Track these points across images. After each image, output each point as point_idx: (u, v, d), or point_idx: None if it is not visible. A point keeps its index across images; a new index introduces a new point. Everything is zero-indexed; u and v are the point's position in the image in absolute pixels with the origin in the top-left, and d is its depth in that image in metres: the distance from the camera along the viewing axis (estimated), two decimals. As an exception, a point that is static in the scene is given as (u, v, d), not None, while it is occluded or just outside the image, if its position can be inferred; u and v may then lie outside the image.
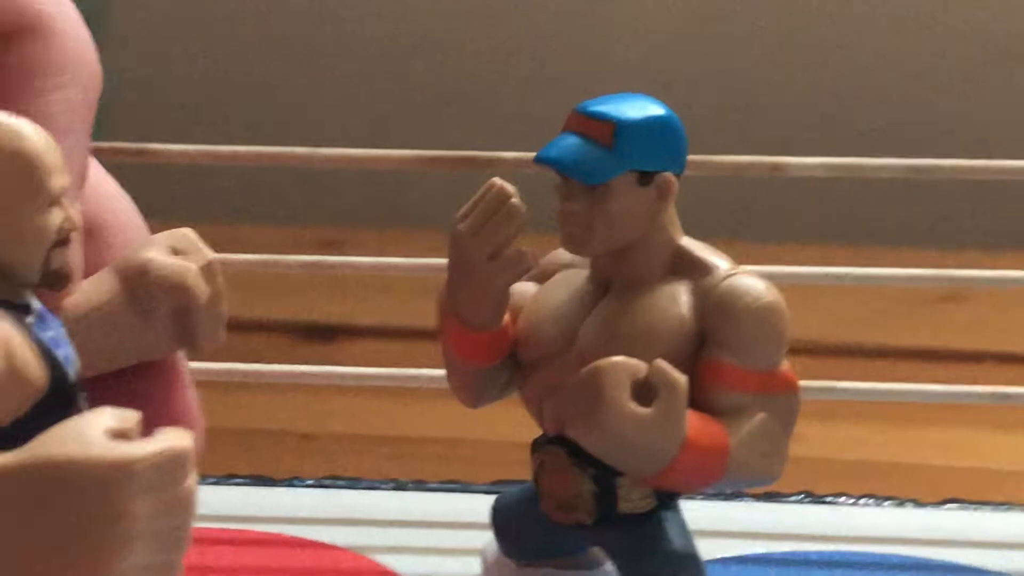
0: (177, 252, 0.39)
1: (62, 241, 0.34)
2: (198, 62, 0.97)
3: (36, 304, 0.35)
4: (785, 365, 0.44)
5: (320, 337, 0.80)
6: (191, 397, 0.41)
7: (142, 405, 0.37)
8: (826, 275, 0.56)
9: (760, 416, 0.43)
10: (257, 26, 1.01)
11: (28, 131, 0.34)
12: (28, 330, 0.34)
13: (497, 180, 0.45)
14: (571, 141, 0.44)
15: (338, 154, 0.55)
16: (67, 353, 0.35)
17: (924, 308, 0.87)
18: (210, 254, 0.39)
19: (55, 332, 0.35)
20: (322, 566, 0.51)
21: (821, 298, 0.71)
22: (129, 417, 0.29)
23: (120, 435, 0.29)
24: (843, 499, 0.56)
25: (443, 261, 0.46)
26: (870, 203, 0.98)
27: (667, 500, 0.46)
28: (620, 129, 0.43)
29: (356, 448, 0.68)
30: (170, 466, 0.29)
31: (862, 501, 0.56)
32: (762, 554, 0.52)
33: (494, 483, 0.57)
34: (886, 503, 0.56)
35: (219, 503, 0.53)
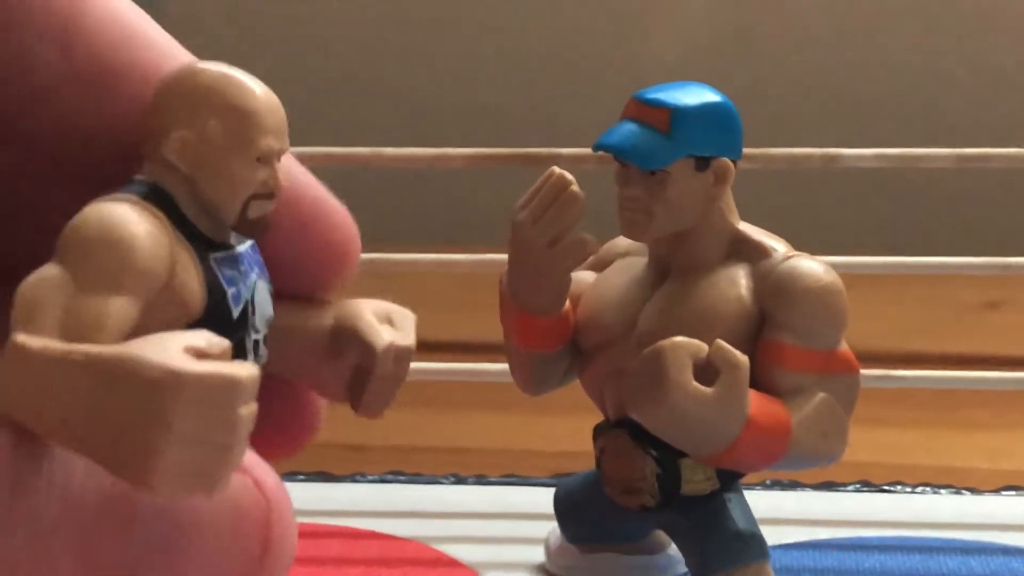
0: (391, 323, 0.42)
1: (264, 195, 0.37)
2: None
3: (241, 247, 0.37)
4: (844, 346, 0.45)
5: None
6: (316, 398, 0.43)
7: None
8: (883, 264, 0.56)
9: (821, 396, 0.44)
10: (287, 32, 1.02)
11: (254, 88, 0.37)
12: (205, 261, 0.36)
13: (556, 168, 0.46)
14: (629, 128, 0.45)
15: (401, 153, 0.56)
16: (239, 292, 0.37)
17: (968, 316, 0.88)
18: (412, 342, 0.42)
19: (239, 272, 0.37)
20: (388, 556, 0.51)
21: (867, 306, 0.72)
22: (218, 343, 0.31)
23: (200, 354, 0.30)
24: (899, 487, 0.57)
25: (502, 256, 0.47)
26: (911, 213, 0.99)
27: (729, 481, 0.46)
28: (676, 115, 0.44)
29: (410, 459, 0.68)
30: (220, 388, 0.30)
31: (919, 489, 0.56)
32: (821, 540, 0.52)
33: (554, 476, 0.57)
34: (943, 491, 0.56)
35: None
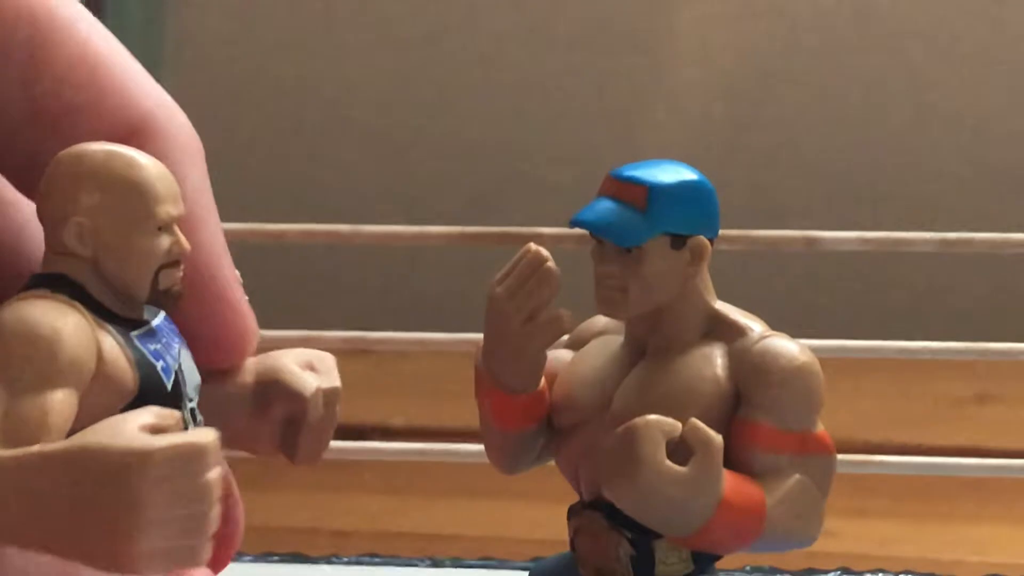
0: (313, 369, 0.41)
1: (171, 263, 0.37)
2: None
3: (156, 320, 0.37)
4: (820, 427, 0.44)
5: (352, 437, 0.80)
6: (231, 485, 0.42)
7: None
8: (864, 349, 0.56)
9: (796, 477, 0.43)
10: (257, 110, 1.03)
11: (141, 160, 0.36)
12: (128, 340, 0.36)
13: (532, 245, 0.45)
14: (605, 205, 0.45)
15: (381, 231, 0.56)
16: (167, 364, 0.36)
17: (957, 409, 0.87)
18: (338, 383, 0.42)
19: (162, 345, 0.37)
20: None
21: (856, 399, 0.72)
22: (168, 415, 0.31)
23: (155, 430, 0.30)
24: (881, 575, 0.56)
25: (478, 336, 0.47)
26: (897, 300, 0.99)
27: (705, 564, 0.45)
28: (653, 193, 0.44)
29: (390, 545, 0.68)
30: (187, 458, 0.30)
31: (901, 576, 0.56)
32: (800, 627, 0.52)
33: (532, 560, 0.57)
34: (925, 579, 0.56)
35: (257, 579, 0.53)
